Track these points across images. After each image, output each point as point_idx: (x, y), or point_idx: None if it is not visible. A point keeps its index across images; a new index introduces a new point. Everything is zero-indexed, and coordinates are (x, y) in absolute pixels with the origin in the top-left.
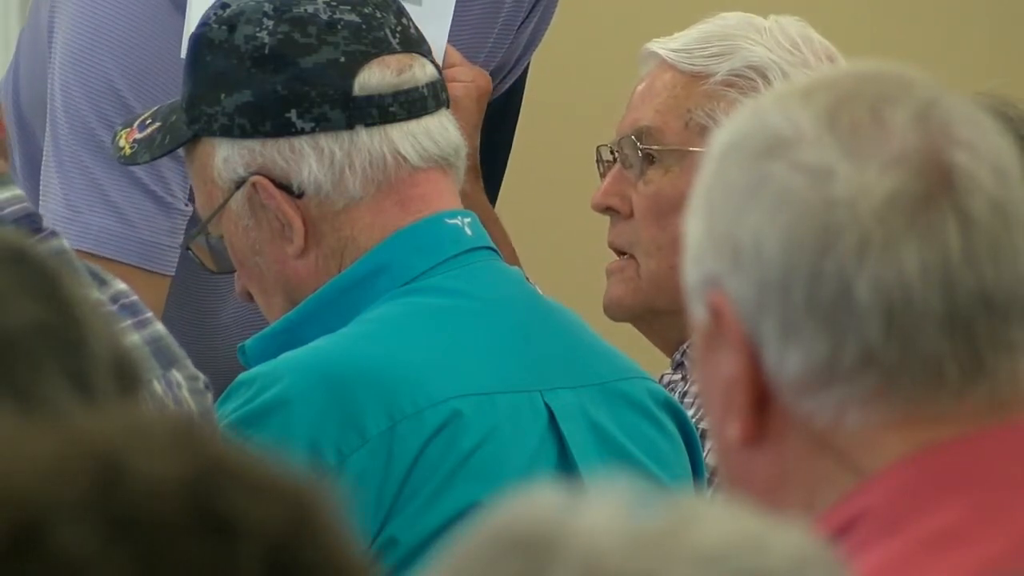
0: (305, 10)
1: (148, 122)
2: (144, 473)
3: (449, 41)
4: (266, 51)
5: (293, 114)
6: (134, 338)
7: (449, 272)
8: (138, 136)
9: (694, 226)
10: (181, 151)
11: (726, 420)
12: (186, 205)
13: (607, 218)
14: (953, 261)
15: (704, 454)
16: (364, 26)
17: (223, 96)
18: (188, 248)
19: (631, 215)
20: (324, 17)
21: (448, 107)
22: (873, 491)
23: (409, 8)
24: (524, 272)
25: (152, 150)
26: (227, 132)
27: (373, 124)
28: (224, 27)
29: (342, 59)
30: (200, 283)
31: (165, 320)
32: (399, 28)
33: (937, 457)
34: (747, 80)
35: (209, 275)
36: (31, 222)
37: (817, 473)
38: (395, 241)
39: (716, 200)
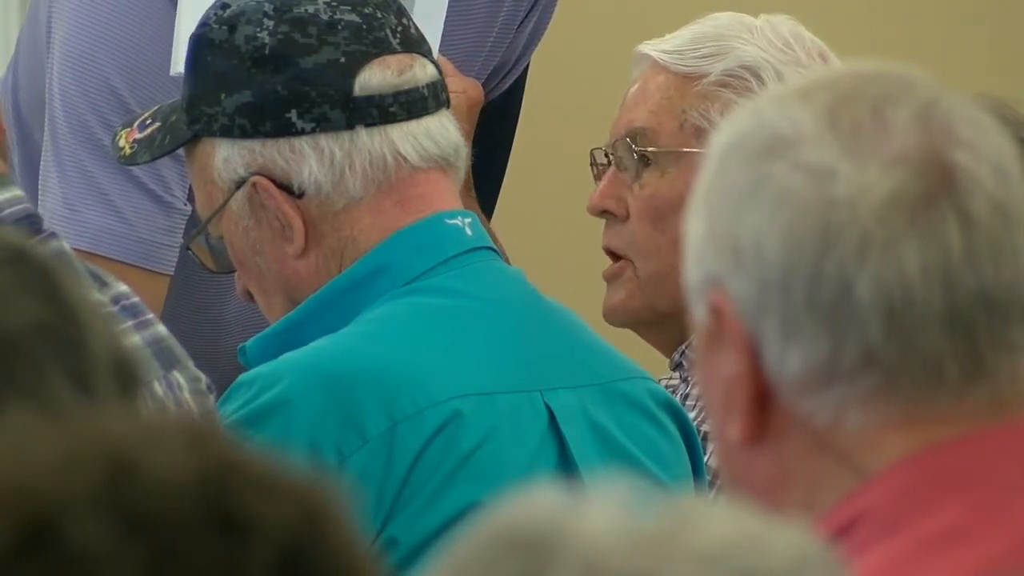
0: (305, 10)
1: (148, 122)
2: (157, 471)
3: (452, 40)
4: (266, 51)
5: (293, 114)
6: (135, 339)
7: (449, 272)
8: (138, 136)
9: (694, 226)
10: (181, 151)
11: (727, 420)
12: (185, 204)
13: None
14: (954, 261)
15: (706, 457)
16: (364, 26)
17: (223, 96)
18: (188, 248)
19: (627, 218)
20: (324, 17)
21: (448, 107)
22: (873, 491)
23: None
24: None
25: (152, 150)
26: (227, 132)
27: (373, 124)
28: (224, 27)
29: (342, 59)
30: (203, 283)
31: (169, 320)
32: (399, 28)
33: (937, 457)
34: (741, 80)
35: (211, 275)
36: (31, 223)
37: (817, 473)
38: (395, 241)
39: (716, 200)
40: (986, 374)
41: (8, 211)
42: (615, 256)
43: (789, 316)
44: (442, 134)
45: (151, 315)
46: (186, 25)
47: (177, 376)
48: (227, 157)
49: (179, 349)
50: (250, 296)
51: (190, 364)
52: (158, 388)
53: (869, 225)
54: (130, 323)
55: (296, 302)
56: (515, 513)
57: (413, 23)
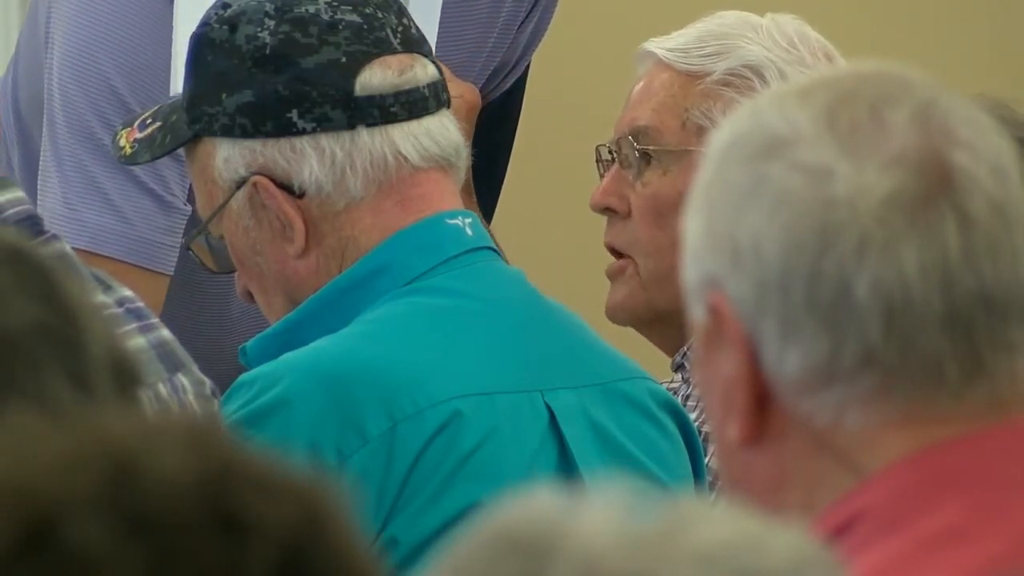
0: (306, 10)
1: (149, 121)
2: (158, 472)
3: (453, 40)
4: (267, 51)
5: (294, 114)
6: (140, 342)
7: (450, 272)
8: (138, 136)
9: (693, 226)
10: (181, 151)
11: (726, 420)
12: (185, 204)
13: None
14: (952, 261)
15: (707, 458)
16: (365, 26)
17: (224, 96)
18: (189, 248)
19: (629, 215)
20: (325, 17)
21: (449, 107)
22: (872, 491)
23: None
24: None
25: (152, 150)
26: (228, 132)
27: (374, 124)
28: (225, 27)
29: (343, 59)
30: (205, 284)
31: (170, 321)
32: (400, 28)
33: (937, 457)
34: (743, 79)
35: (212, 276)
36: (33, 224)
37: (817, 473)
38: (396, 241)
39: (715, 200)
40: (985, 374)
41: (9, 212)
42: (618, 254)
43: (788, 316)
44: (443, 134)
45: (156, 319)
46: (183, 48)
47: (182, 379)
48: (228, 157)
49: (183, 353)
50: (250, 296)
51: (194, 368)
52: (163, 390)
53: (868, 225)
54: (134, 325)
55: (296, 302)
56: (515, 514)
57: (414, 23)
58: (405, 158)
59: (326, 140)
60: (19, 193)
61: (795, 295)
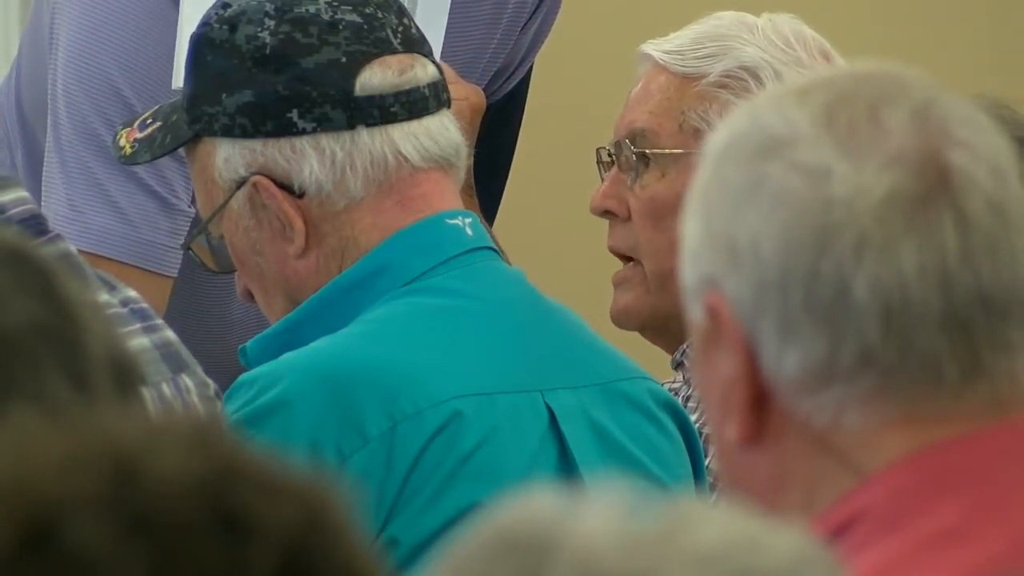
0: (306, 10)
1: (149, 121)
2: (159, 472)
3: (456, 43)
4: (267, 51)
5: (294, 114)
6: (143, 342)
7: (450, 272)
8: (139, 136)
9: (691, 227)
10: (182, 151)
11: (725, 420)
12: (189, 207)
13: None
14: (951, 261)
15: (707, 459)
16: (365, 26)
17: (224, 96)
18: (189, 248)
19: (629, 218)
20: (325, 17)
21: (449, 107)
22: (872, 491)
23: None
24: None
25: (153, 150)
26: (228, 132)
27: (374, 124)
28: (225, 27)
29: (343, 59)
30: (207, 284)
31: (172, 321)
32: (400, 28)
33: (936, 457)
34: (739, 81)
35: (213, 276)
36: (36, 223)
37: (816, 473)
38: (396, 241)
39: (713, 200)
40: (984, 374)
41: (13, 211)
42: (623, 257)
43: (786, 316)
44: (443, 134)
45: (160, 320)
46: (187, 41)
47: (186, 380)
48: (228, 157)
49: (187, 354)
50: (250, 296)
51: (198, 369)
52: (166, 390)
53: (866, 225)
54: (139, 326)
55: (296, 302)
56: (514, 514)
57: (414, 23)
58: (405, 158)
59: (326, 140)
60: (23, 192)
61: (794, 295)
